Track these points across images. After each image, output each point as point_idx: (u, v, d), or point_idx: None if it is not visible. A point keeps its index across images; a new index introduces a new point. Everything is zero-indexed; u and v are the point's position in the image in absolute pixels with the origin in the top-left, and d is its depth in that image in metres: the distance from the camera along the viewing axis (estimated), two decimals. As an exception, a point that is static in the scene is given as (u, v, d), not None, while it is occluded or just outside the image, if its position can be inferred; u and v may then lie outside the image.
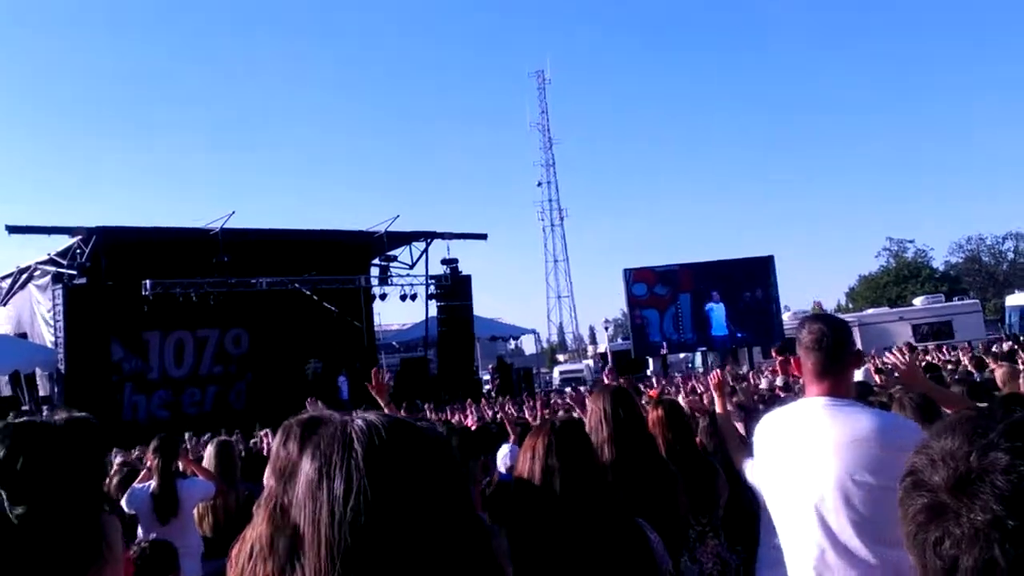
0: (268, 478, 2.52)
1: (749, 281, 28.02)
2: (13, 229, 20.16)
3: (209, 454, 5.65)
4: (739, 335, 27.90)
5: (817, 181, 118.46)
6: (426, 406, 15.12)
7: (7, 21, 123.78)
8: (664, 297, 28.16)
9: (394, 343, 31.36)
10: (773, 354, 11.85)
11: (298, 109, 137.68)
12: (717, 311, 27.88)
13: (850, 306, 55.78)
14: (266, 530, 2.38)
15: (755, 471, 2.96)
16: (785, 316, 29.42)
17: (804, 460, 2.58)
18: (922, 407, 3.62)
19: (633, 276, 28.43)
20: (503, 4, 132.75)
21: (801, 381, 3.49)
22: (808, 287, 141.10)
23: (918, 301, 32.55)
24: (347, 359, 23.91)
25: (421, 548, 1.05)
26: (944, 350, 16.90)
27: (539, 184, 71.90)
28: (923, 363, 11.57)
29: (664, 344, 27.88)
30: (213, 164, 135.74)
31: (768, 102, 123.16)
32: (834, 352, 2.67)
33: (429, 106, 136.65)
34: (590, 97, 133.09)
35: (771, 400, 6.98)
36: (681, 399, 5.66)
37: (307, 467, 1.14)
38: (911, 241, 62.40)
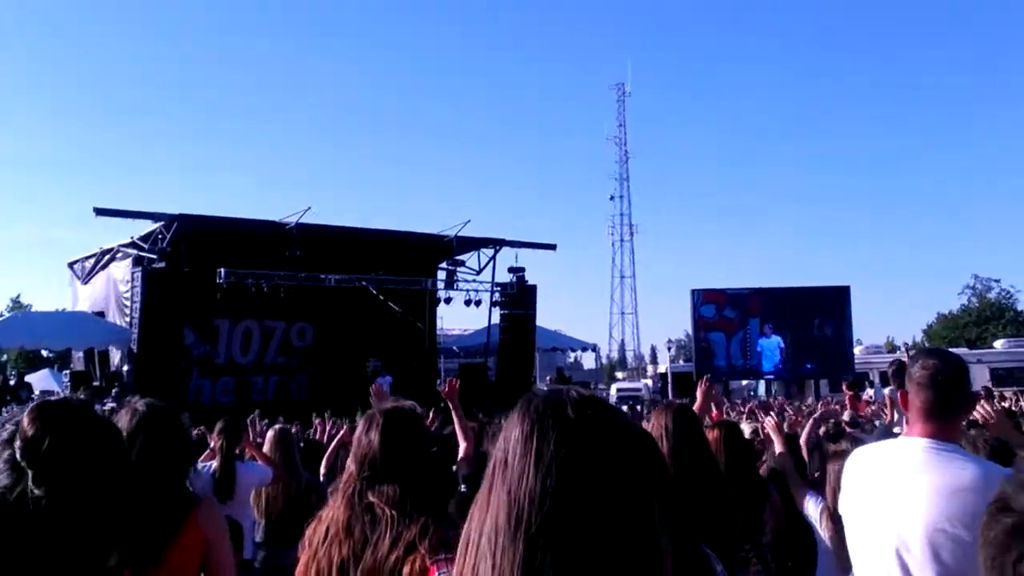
0: (350, 464, 2.56)
1: (821, 311, 27.39)
2: (101, 212, 20.86)
3: (270, 440, 5.75)
4: (807, 366, 27.28)
5: (902, 211, 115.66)
6: (479, 414, 15.14)
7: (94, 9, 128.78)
8: (733, 321, 27.74)
9: (455, 347, 31.48)
10: (843, 388, 11.52)
11: (382, 112, 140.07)
12: (769, 344, 27.32)
13: (926, 345, 54.14)
14: (344, 514, 2.44)
15: (842, 506, 2.83)
16: (857, 350, 28.70)
17: (896, 503, 2.46)
18: (996, 449, 3.48)
19: (703, 297, 28.07)
20: (589, 15, 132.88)
21: (905, 417, 3.38)
22: (884, 322, 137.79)
23: (999, 344, 31.34)
24: (407, 360, 24.13)
25: (614, 515, 1.10)
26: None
27: (612, 198, 71.73)
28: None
29: (727, 368, 27.44)
30: (293, 157, 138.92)
31: (854, 128, 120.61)
32: (946, 392, 2.52)
33: (509, 115, 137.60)
34: (669, 113, 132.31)
35: (837, 436, 6.81)
36: (744, 425, 5.58)
37: (516, 428, 1.18)
38: (997, 280, 60.13)
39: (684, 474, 3.32)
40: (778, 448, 4.47)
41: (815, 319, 27.29)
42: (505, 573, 1.08)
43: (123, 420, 2.47)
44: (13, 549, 1.29)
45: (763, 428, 5.58)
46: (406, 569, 2.23)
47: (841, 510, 2.79)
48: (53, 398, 1.50)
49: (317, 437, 8.86)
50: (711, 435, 4.33)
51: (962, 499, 2.31)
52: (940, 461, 2.44)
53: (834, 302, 27.47)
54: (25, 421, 1.40)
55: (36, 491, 1.32)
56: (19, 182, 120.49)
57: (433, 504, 2.35)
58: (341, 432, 6.96)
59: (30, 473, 1.36)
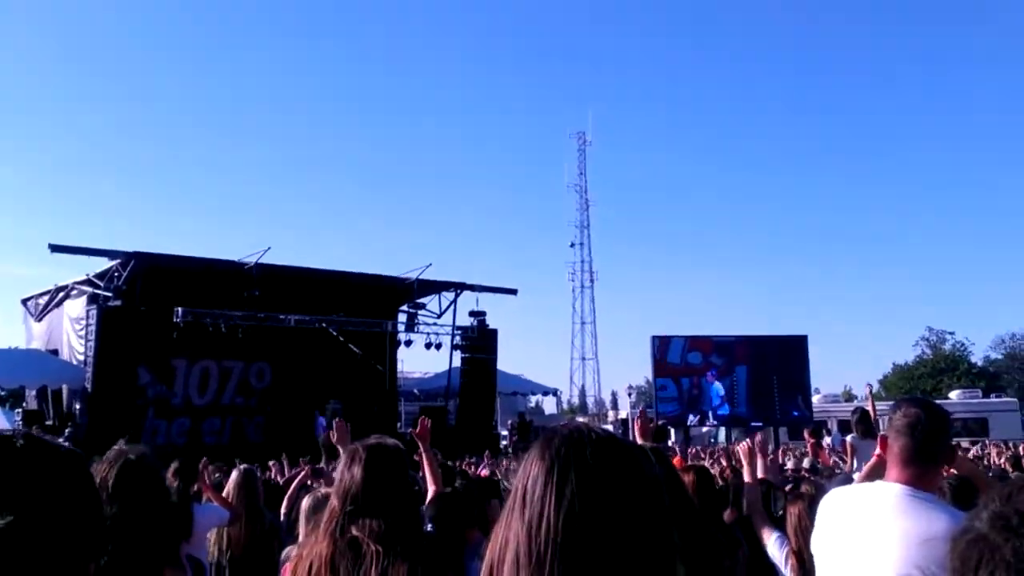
0: (332, 500, 2.54)
1: (780, 359, 27.72)
2: (56, 248, 20.56)
3: (234, 481, 5.67)
4: (763, 413, 27.50)
5: (856, 265, 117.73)
6: (439, 457, 15.03)
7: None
8: (697, 367, 27.93)
9: (415, 390, 31.26)
10: (805, 435, 11.66)
11: (343, 154, 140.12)
12: (715, 388, 27.58)
13: (883, 394, 55.05)
14: (327, 549, 2.42)
15: (814, 545, 2.83)
16: (815, 399, 29.01)
17: (866, 547, 2.46)
18: (957, 488, 3.54)
19: (666, 343, 28.23)
20: (549, 65, 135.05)
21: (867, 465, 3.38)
22: (840, 371, 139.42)
23: (954, 395, 31.91)
24: (367, 402, 23.90)
25: (631, 554, 1.12)
26: (978, 448, 16.58)
27: (572, 245, 72.12)
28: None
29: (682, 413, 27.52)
30: (251, 198, 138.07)
31: (813, 182, 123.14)
32: (926, 441, 2.54)
33: (471, 161, 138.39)
34: (629, 162, 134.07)
35: (796, 481, 6.87)
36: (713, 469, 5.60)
37: (536, 465, 1.20)
38: (951, 333, 61.36)
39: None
40: (747, 477, 4.50)
41: (773, 368, 27.60)
42: None
43: (104, 469, 2.42)
44: None
45: (735, 459, 5.61)
46: None
47: (813, 549, 2.78)
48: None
49: (274, 479, 8.74)
50: (684, 479, 4.37)
51: (932, 547, 2.30)
52: (914, 508, 2.44)
53: (792, 351, 27.80)
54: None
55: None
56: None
57: (417, 539, 2.34)
58: (303, 473, 6.88)
59: None
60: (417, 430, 4.26)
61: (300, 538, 4.31)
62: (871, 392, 10.95)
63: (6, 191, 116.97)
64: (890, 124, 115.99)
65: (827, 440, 17.41)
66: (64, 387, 22.12)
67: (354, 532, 2.36)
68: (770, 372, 27.51)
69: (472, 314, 26.69)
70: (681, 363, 28.07)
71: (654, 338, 28.98)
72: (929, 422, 2.58)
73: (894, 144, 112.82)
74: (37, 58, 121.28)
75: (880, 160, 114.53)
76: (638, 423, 4.45)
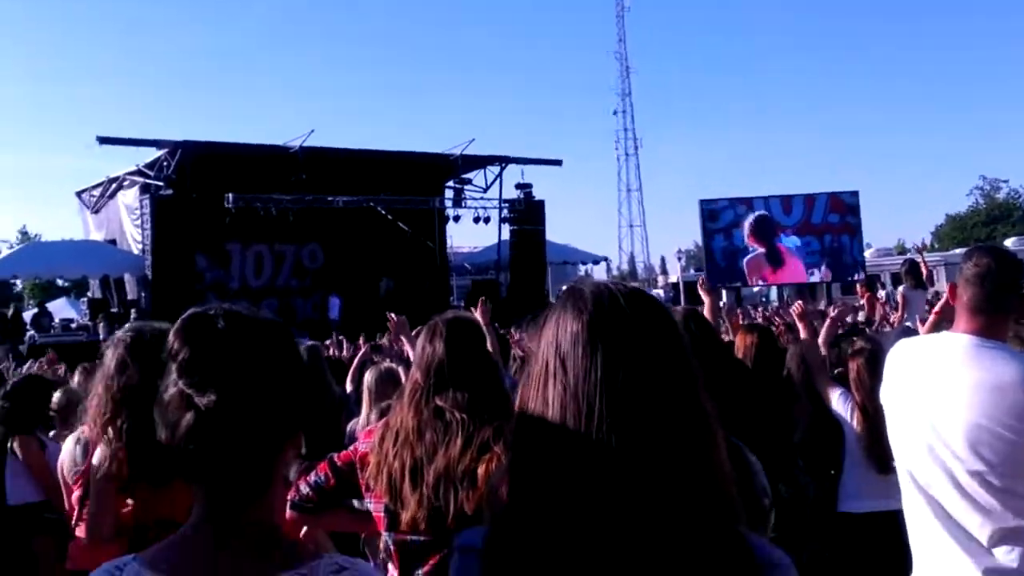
0: (414, 372, 2.59)
1: (832, 215, 27.22)
2: (104, 140, 20.75)
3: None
4: (818, 269, 27.28)
5: (908, 114, 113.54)
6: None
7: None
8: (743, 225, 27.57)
9: (466, 264, 31.49)
10: (858, 289, 11.46)
11: (383, 32, 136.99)
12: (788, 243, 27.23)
13: (935, 246, 53.97)
14: (412, 420, 2.48)
15: (883, 397, 2.79)
16: (867, 253, 28.62)
17: (935, 398, 2.42)
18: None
19: (722, 205, 27.85)
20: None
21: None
22: (893, 224, 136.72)
23: (1009, 242, 31.19)
24: (419, 278, 24.22)
25: (674, 399, 1.11)
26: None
27: (615, 112, 70.60)
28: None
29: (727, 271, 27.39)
30: (293, 81, 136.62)
31: (859, 33, 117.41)
32: (995, 290, 2.46)
33: (509, 32, 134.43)
34: (670, 25, 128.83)
35: (851, 334, 6.85)
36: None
37: (570, 324, 1.16)
38: (1005, 181, 59.47)
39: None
40: (803, 334, 4.49)
41: (825, 225, 27.13)
42: (576, 466, 1.08)
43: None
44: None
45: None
46: (481, 469, 2.26)
47: (882, 401, 2.73)
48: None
49: (334, 354, 9.01)
50: (747, 339, 4.39)
51: (1003, 395, 2.28)
52: (984, 356, 2.39)
53: (844, 206, 27.26)
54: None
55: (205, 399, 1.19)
56: (24, 100, 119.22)
57: (501, 405, 2.36)
58: (364, 349, 7.07)
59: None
60: (477, 311, 4.32)
61: (364, 410, 4.46)
62: (923, 246, 10.74)
63: (52, 84, 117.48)
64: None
65: (881, 294, 17.29)
66: (126, 275, 22.76)
67: (438, 403, 2.40)
68: (819, 227, 27.11)
69: (518, 187, 26.49)
70: (729, 225, 27.76)
71: (702, 201, 28.64)
72: (1000, 272, 2.48)
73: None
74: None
75: (929, 7, 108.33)
76: (798, 311, 4.49)
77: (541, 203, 26.97)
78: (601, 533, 1.06)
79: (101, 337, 18.56)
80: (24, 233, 54.88)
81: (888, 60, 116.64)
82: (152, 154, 21.41)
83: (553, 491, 1.09)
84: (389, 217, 24.58)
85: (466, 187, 26.07)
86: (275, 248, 23.76)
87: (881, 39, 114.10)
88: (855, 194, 27.57)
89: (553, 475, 1.09)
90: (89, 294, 25.93)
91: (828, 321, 4.83)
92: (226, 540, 1.20)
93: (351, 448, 2.64)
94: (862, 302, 9.71)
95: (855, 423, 4.09)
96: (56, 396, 5.03)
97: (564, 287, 1.25)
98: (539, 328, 1.21)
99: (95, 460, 2.83)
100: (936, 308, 3.73)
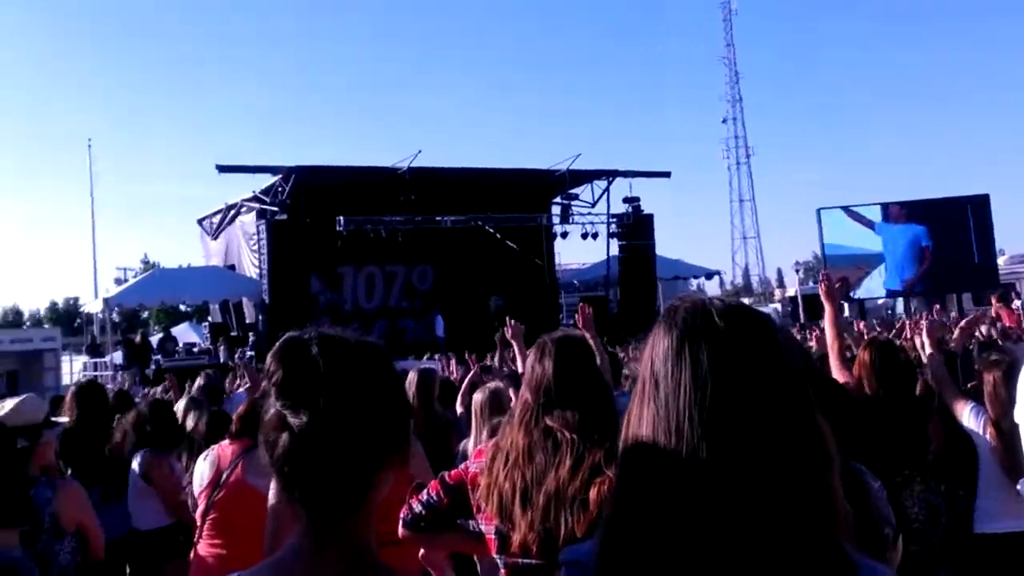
0: (524, 392, 2.50)
1: (961, 222, 25.78)
2: (223, 168, 21.63)
3: (411, 381, 5.75)
4: (947, 280, 25.84)
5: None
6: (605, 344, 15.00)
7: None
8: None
9: (575, 281, 31.28)
10: (992, 301, 10.74)
11: (479, 49, 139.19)
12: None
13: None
14: (523, 440, 2.40)
15: (1018, 415, 2.57)
16: (1001, 260, 26.98)
17: None
18: None
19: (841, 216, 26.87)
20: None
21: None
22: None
23: None
24: (528, 296, 24.17)
25: (775, 419, 1.08)
26: None
27: (724, 120, 69.44)
28: None
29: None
30: (399, 103, 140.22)
31: (980, 31, 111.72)
32: None
33: (612, 43, 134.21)
34: (780, 29, 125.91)
35: (988, 347, 6.35)
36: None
37: (664, 341, 1.16)
38: None
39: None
40: (929, 350, 4.19)
41: (954, 232, 25.71)
42: (670, 487, 1.08)
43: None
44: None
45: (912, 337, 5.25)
46: (592, 493, 2.19)
47: (1017, 418, 2.51)
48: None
49: (446, 375, 8.92)
50: (863, 355, 4.06)
51: None
52: None
53: (974, 212, 25.80)
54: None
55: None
56: (143, 134, 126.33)
57: (611, 426, 2.28)
58: (473, 371, 6.94)
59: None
60: (579, 319, 4.21)
61: (473, 431, 4.34)
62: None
63: (171, 118, 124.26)
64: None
65: (1016, 304, 16.10)
66: (244, 299, 23.57)
67: (548, 422, 2.36)
68: (948, 236, 25.70)
69: (626, 200, 26.20)
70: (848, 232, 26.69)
71: (819, 211, 27.63)
72: None
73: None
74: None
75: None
76: (823, 290, 4.18)
77: (650, 217, 26.56)
78: (700, 551, 1.06)
79: (221, 360, 19.24)
80: (146, 262, 58.02)
81: (1016, 58, 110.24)
82: (267, 180, 22.15)
83: (652, 511, 1.09)
84: (497, 235, 24.67)
85: (573, 203, 25.93)
86: (386, 269, 24.17)
87: (1010, 42, 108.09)
88: (985, 198, 26.11)
89: (651, 496, 1.10)
90: (210, 318, 26.98)
91: (958, 330, 4.52)
92: (319, 557, 1.25)
93: (462, 467, 2.60)
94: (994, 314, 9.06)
95: (989, 438, 3.83)
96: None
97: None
98: (643, 346, 1.22)
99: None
100: None
